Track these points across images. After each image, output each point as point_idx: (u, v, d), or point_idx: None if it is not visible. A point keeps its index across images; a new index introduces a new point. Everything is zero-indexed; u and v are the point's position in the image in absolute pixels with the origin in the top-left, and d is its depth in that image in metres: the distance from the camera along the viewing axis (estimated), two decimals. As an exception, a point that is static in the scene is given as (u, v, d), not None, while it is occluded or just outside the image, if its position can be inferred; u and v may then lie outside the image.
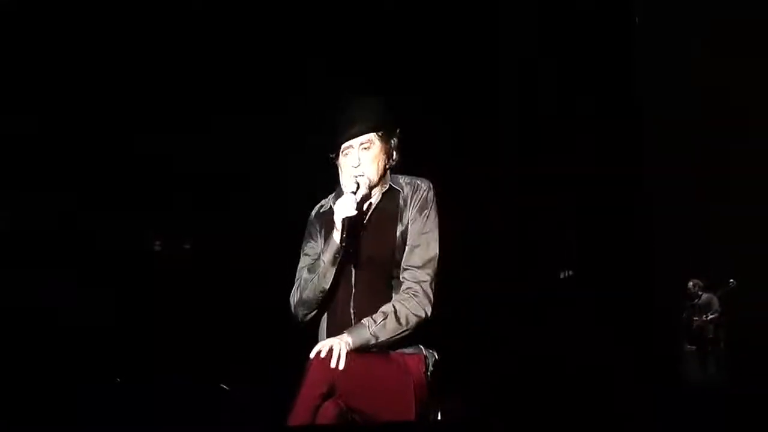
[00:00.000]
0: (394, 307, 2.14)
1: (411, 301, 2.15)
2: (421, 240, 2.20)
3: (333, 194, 2.36)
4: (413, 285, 2.17)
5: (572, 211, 4.76)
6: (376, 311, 2.14)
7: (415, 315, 2.14)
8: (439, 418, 2.16)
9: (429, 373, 2.18)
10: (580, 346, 4.09)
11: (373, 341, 2.09)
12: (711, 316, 7.12)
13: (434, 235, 2.22)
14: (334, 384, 1.97)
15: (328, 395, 1.97)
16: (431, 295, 2.18)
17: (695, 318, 7.25)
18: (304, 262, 2.31)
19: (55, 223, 3.92)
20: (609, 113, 4.91)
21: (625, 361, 4.17)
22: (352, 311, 2.18)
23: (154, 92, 4.12)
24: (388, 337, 2.11)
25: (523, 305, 4.36)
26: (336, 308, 2.23)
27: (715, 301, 7.18)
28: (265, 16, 4.24)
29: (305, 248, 2.35)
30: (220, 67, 4.23)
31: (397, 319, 2.12)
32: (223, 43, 4.23)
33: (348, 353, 2.03)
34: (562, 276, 4.87)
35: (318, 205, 2.42)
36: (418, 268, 2.18)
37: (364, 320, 2.12)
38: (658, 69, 5.59)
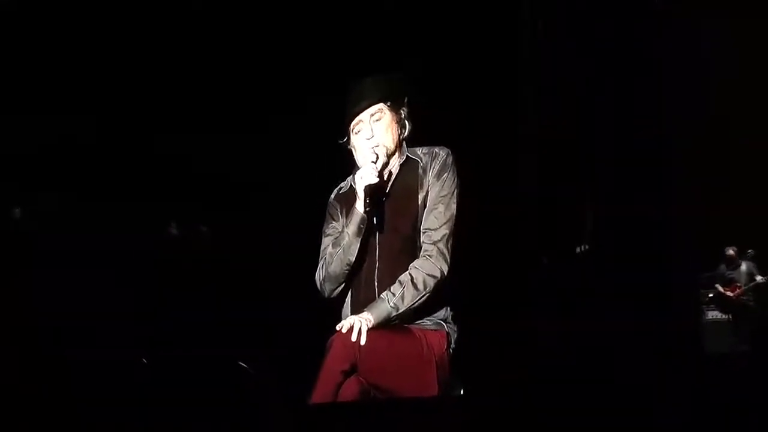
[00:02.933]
0: (410, 274, 2.14)
1: (426, 262, 2.15)
2: (438, 203, 2.20)
3: (350, 176, 2.36)
4: (429, 247, 2.18)
5: (591, 184, 4.71)
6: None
7: (431, 276, 2.14)
8: (462, 394, 2.15)
9: (451, 350, 2.18)
10: (601, 319, 4.06)
11: (394, 313, 2.10)
12: (760, 280, 7.01)
13: (452, 198, 2.21)
14: (356, 361, 1.98)
15: (350, 372, 1.98)
16: (447, 254, 2.17)
17: (738, 285, 7.16)
18: (326, 242, 2.31)
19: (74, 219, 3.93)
20: (628, 93, 4.84)
21: (648, 333, 4.15)
22: (376, 285, 2.19)
23: (164, 91, 4.11)
24: (409, 305, 2.11)
25: (542, 281, 4.34)
26: (360, 282, 2.23)
27: (755, 269, 7.10)
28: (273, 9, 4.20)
29: (326, 230, 2.34)
30: (230, 64, 4.20)
31: (414, 285, 2.12)
32: (229, 40, 4.20)
33: (370, 330, 2.03)
34: (578, 250, 4.83)
35: (336, 188, 2.42)
36: (435, 229, 2.18)
37: (383, 294, 2.13)
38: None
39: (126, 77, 4.04)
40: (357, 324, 2.02)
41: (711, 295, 7.34)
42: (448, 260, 2.17)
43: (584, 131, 4.71)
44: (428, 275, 2.14)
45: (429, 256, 2.16)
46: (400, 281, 2.13)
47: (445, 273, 2.16)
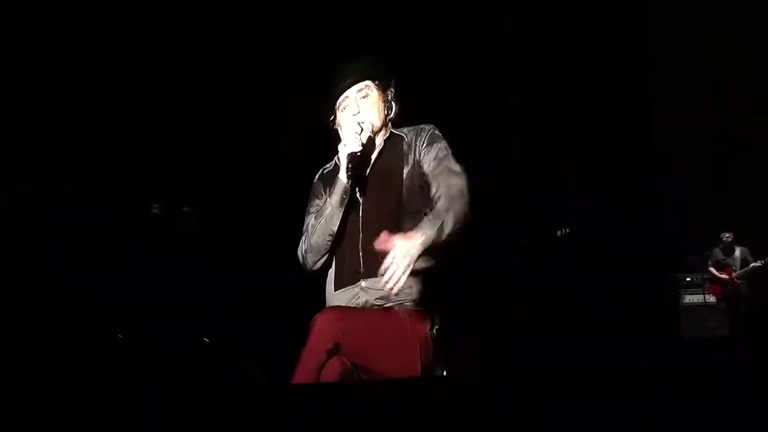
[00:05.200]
0: (439, 215, 2.05)
1: (453, 212, 2.05)
2: (439, 165, 2.15)
3: (335, 157, 2.33)
4: (445, 203, 2.08)
5: (578, 168, 4.72)
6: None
7: (458, 221, 2.05)
8: (445, 374, 2.14)
9: (435, 330, 2.16)
10: (586, 304, 4.08)
11: (421, 240, 1.98)
12: (758, 264, 7.06)
13: (451, 159, 2.17)
14: (340, 341, 1.96)
15: (333, 352, 1.96)
16: (468, 205, 2.08)
17: (733, 268, 7.23)
18: (309, 219, 2.29)
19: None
20: (615, 72, 4.85)
21: (630, 318, 4.17)
22: (360, 255, 2.17)
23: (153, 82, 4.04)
24: (433, 239, 1.99)
25: (527, 263, 4.35)
26: (344, 255, 2.21)
27: (748, 255, 7.18)
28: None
29: (310, 208, 2.33)
30: (217, 52, 4.14)
31: (443, 226, 2.02)
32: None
33: (352, 311, 2.05)
34: (560, 234, 4.85)
35: (321, 169, 2.41)
36: (450, 188, 2.10)
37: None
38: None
39: (107, 66, 3.98)
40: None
41: (688, 279, 7.40)
42: (469, 212, 2.08)
43: (570, 116, 4.72)
44: (456, 220, 2.04)
45: (449, 208, 2.06)
46: (425, 221, 2.04)
47: (469, 218, 2.08)
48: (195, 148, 4.07)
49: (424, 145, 2.21)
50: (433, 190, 2.14)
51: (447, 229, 2.02)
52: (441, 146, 2.20)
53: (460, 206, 2.07)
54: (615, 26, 4.99)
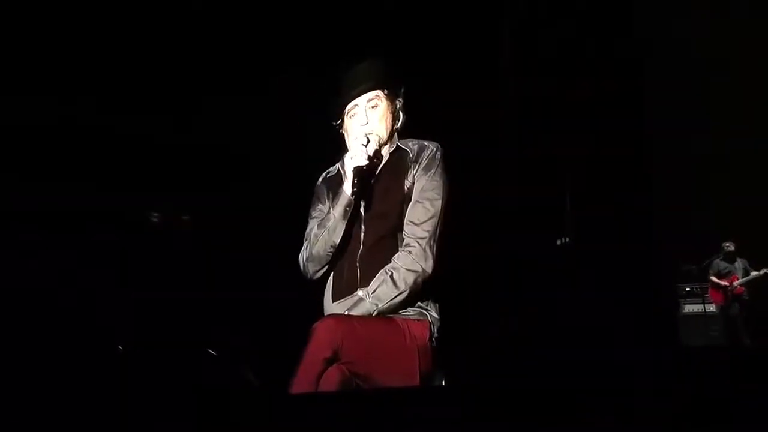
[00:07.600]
0: (389, 270, 2.12)
1: (407, 258, 2.12)
2: (424, 196, 2.17)
3: (339, 162, 2.33)
4: (410, 241, 2.15)
5: (572, 168, 4.71)
6: (382, 269, 2.12)
7: (411, 271, 2.10)
8: (443, 384, 2.14)
9: (434, 339, 2.16)
10: (583, 308, 4.08)
11: (375, 310, 2.09)
12: (764, 271, 7.11)
13: (438, 193, 2.18)
14: (338, 350, 1.95)
15: (332, 360, 1.95)
16: (430, 253, 2.13)
17: (736, 275, 7.26)
18: (312, 224, 2.29)
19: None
20: (610, 70, 4.84)
21: (629, 322, 4.17)
22: (358, 267, 2.17)
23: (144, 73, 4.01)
24: (389, 300, 2.09)
25: (524, 268, 4.34)
26: (343, 265, 2.21)
27: (747, 265, 7.23)
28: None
29: (313, 212, 2.33)
30: (215, 44, 4.12)
31: (394, 281, 2.09)
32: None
33: (353, 319, 2.03)
34: (559, 242, 4.85)
35: (325, 172, 2.41)
36: (418, 225, 2.15)
37: (362, 292, 2.11)
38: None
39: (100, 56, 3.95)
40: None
41: (688, 289, 7.41)
42: (431, 258, 2.13)
43: (565, 125, 4.71)
44: (407, 270, 2.11)
45: (410, 251, 2.14)
46: (377, 278, 2.11)
47: (428, 271, 2.12)
48: (194, 148, 4.05)
49: (423, 165, 2.21)
50: (406, 230, 2.17)
51: (384, 299, 2.09)
52: (433, 174, 2.20)
53: (406, 263, 2.12)
54: (614, 26, 4.98)
